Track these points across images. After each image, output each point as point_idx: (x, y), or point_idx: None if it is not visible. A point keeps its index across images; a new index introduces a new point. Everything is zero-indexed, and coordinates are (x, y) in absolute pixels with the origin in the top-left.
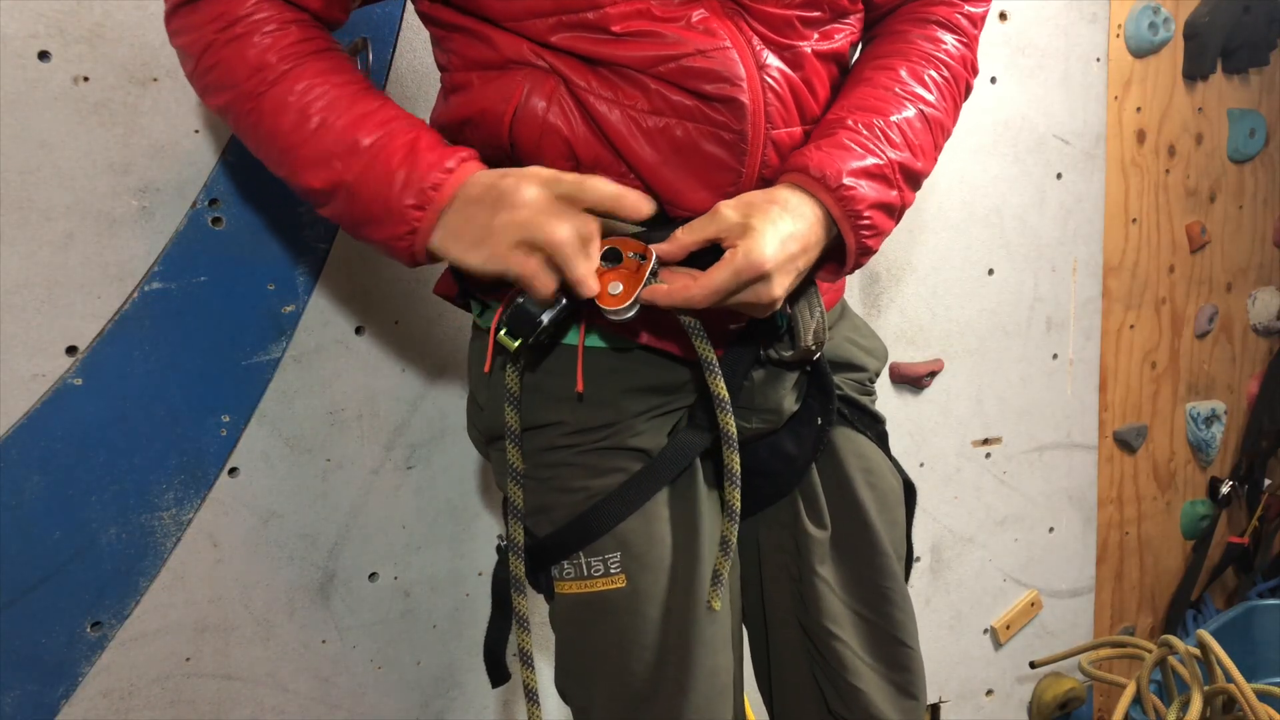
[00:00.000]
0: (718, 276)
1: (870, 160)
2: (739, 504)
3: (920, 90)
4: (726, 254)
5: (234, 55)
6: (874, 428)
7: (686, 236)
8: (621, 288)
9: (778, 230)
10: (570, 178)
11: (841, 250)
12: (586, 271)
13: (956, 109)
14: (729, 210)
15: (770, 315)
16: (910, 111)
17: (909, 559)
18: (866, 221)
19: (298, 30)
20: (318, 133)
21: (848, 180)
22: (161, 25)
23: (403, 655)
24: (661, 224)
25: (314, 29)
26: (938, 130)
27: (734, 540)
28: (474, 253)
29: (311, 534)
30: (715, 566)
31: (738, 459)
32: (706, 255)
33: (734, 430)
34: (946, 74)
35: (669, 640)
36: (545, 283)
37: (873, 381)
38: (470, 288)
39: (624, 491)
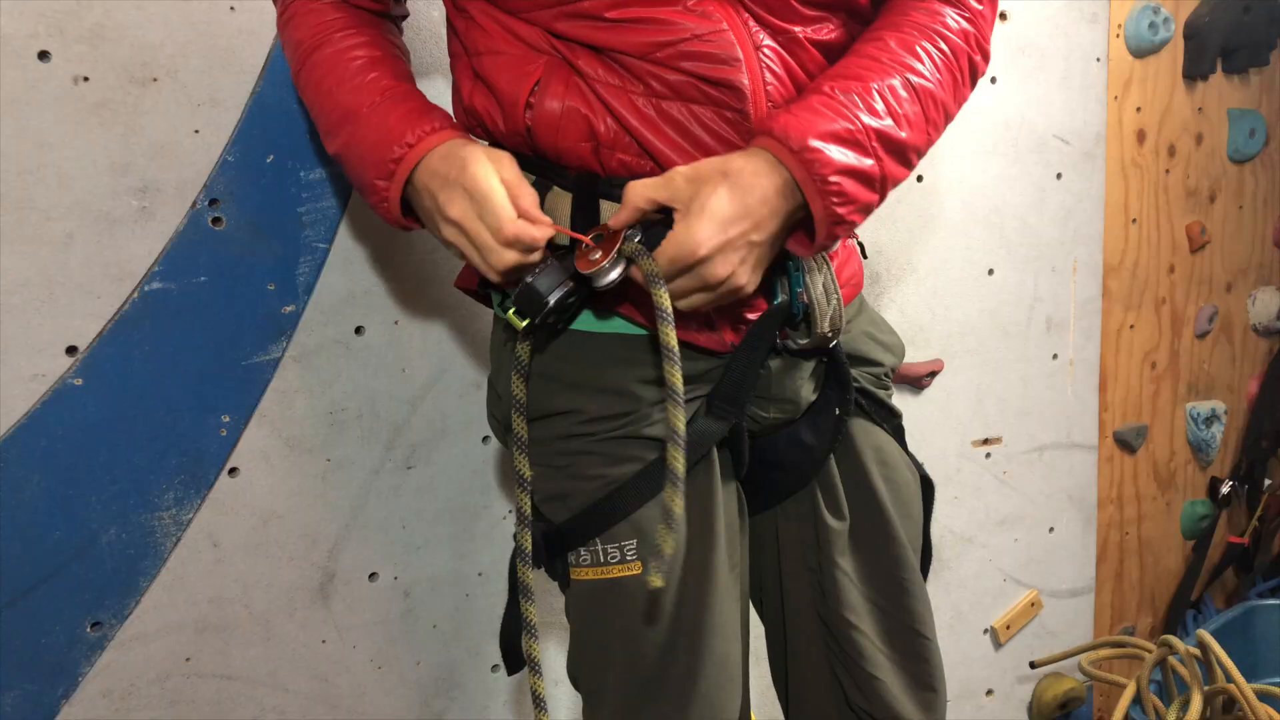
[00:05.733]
0: (660, 259)
1: (841, 124)
2: (680, 511)
3: (909, 60)
4: (667, 236)
5: (285, 37)
6: (890, 421)
7: (637, 193)
8: (600, 254)
9: (717, 210)
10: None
11: (812, 218)
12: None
13: (957, 85)
14: (681, 179)
15: (786, 302)
16: (895, 79)
17: (927, 556)
18: (834, 187)
19: (330, 11)
20: (325, 106)
21: (813, 143)
22: (161, 25)
23: (403, 655)
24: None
25: (343, 10)
26: (928, 102)
27: (678, 509)
28: (428, 221)
29: (311, 534)
30: (657, 540)
31: (682, 458)
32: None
33: (682, 428)
34: (944, 47)
35: (681, 627)
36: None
37: (889, 376)
38: None
39: (640, 480)
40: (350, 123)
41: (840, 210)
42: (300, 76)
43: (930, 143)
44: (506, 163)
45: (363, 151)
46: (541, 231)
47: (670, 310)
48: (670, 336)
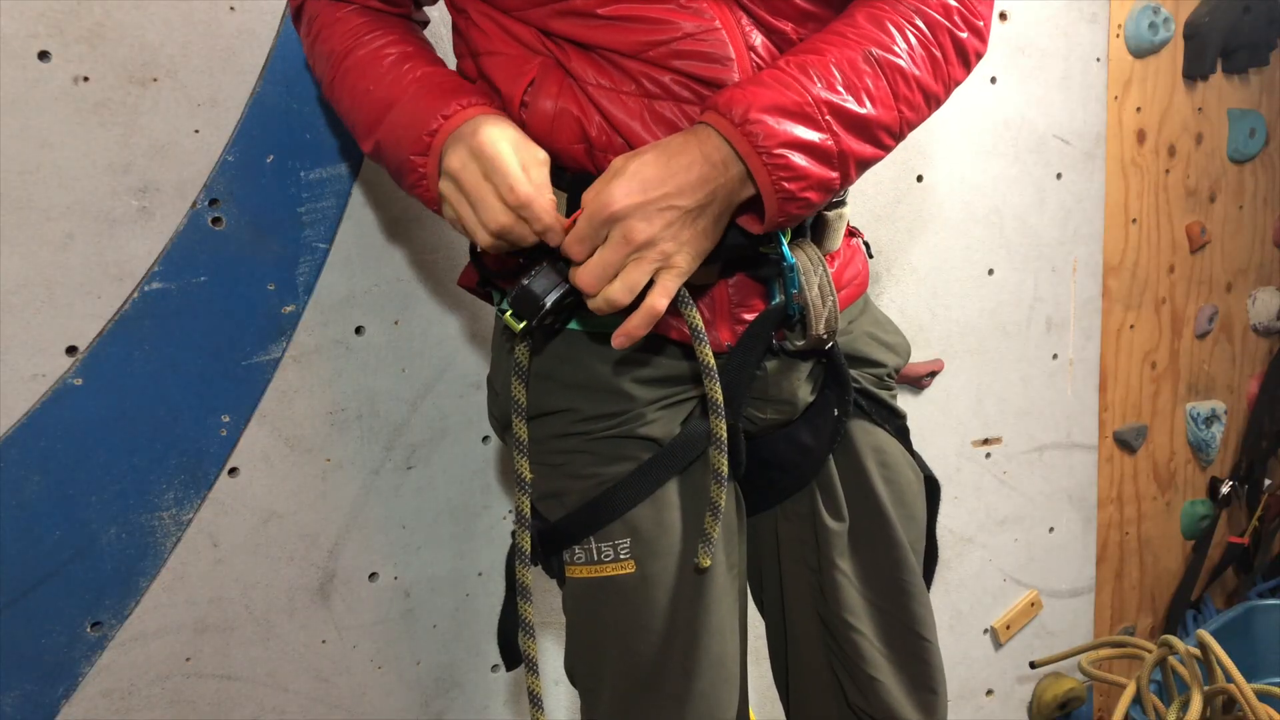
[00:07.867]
0: (579, 223)
1: (789, 96)
2: (723, 498)
3: (877, 35)
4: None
5: (315, 53)
6: (893, 421)
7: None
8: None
9: (639, 171)
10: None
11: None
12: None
13: (937, 62)
14: (619, 159)
15: (782, 303)
16: (856, 53)
17: (932, 556)
18: (780, 160)
19: (356, 18)
20: (362, 105)
21: (755, 115)
22: (161, 25)
23: (403, 655)
24: None
25: (368, 15)
26: (897, 78)
27: (721, 502)
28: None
29: (311, 534)
30: (705, 527)
31: (724, 461)
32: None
33: (724, 435)
34: (920, 23)
35: (676, 625)
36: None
37: (892, 377)
38: (491, 275)
39: (635, 479)
40: (389, 113)
41: (790, 186)
42: (335, 85)
43: (906, 122)
44: (532, 147)
45: (400, 134)
46: (546, 201)
47: (703, 329)
48: (708, 355)
